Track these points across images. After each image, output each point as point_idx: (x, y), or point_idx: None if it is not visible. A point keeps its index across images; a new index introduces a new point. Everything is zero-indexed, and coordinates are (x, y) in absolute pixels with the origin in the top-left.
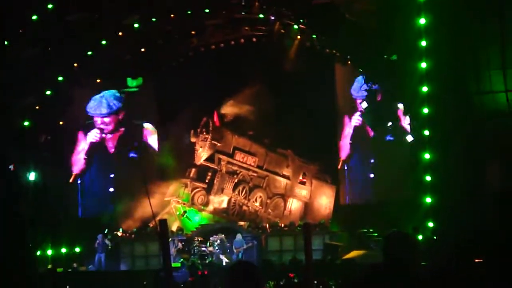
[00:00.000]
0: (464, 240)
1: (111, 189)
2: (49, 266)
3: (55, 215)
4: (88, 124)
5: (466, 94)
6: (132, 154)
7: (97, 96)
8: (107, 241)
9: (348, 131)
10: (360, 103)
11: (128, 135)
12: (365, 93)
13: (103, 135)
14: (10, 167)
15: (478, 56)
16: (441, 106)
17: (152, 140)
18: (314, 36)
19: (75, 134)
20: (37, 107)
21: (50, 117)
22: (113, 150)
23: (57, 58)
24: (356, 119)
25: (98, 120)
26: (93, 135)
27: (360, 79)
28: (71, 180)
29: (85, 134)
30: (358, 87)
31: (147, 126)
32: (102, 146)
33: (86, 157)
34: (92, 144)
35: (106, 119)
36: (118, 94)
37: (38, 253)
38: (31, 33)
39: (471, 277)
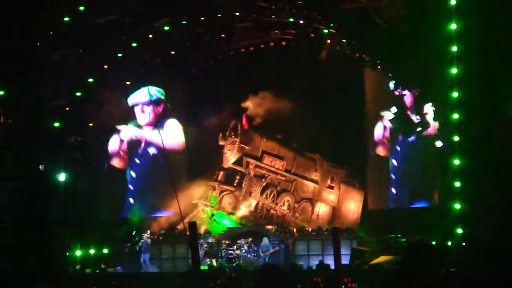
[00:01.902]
0: (493, 247)
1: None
2: (78, 267)
3: (84, 216)
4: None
5: (496, 100)
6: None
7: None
8: (149, 241)
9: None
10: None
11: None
12: None
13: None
14: (40, 167)
15: (509, 62)
16: (471, 111)
17: (177, 139)
18: (344, 40)
19: (109, 133)
20: (67, 109)
21: (80, 119)
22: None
23: (88, 60)
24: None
25: (137, 110)
26: (129, 133)
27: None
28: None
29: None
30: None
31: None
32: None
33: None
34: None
35: (146, 108)
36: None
37: (67, 254)
38: (62, 35)
39: (502, 284)
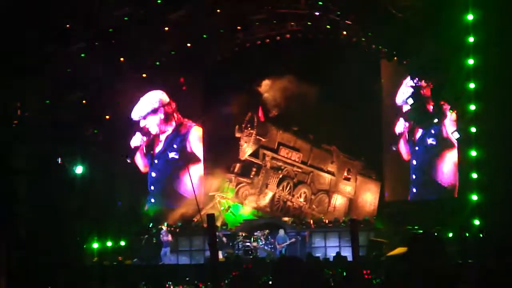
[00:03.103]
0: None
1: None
2: (95, 259)
3: (102, 209)
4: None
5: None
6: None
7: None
8: (169, 236)
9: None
10: (406, 99)
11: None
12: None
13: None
14: (58, 160)
15: None
16: (488, 102)
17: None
18: (360, 31)
19: (127, 127)
20: (83, 102)
21: (96, 111)
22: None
23: (104, 53)
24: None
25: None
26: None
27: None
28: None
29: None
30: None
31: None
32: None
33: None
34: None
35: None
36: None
37: (85, 246)
38: (78, 27)
39: None
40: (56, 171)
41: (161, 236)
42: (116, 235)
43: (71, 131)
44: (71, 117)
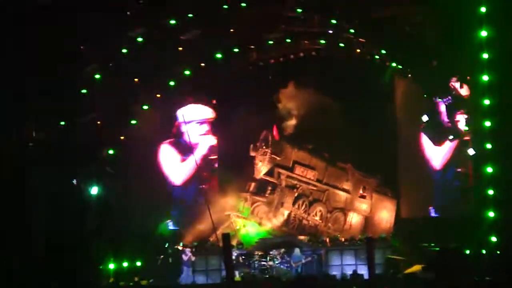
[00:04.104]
0: None
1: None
2: (111, 280)
3: (118, 229)
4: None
5: None
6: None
7: None
8: (190, 256)
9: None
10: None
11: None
12: None
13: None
14: (73, 181)
15: None
16: (503, 119)
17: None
18: (374, 49)
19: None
20: (98, 122)
21: (112, 132)
22: None
23: (119, 74)
24: None
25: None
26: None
27: None
28: None
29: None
30: None
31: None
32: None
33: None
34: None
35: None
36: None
37: (101, 267)
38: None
39: None
40: (72, 192)
41: (184, 255)
42: (132, 256)
43: (87, 152)
44: (86, 138)
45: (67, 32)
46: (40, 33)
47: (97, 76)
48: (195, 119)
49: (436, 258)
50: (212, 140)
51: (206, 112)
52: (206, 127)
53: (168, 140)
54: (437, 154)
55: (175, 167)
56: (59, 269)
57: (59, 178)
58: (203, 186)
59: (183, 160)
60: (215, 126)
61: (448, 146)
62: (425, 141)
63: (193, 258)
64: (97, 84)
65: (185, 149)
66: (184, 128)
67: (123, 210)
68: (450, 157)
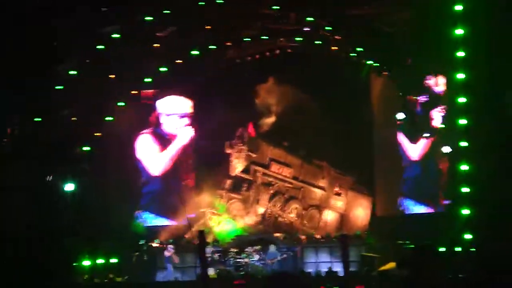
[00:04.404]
0: (502, 253)
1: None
2: (86, 277)
3: (93, 226)
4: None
5: (503, 105)
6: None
7: None
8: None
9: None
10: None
11: None
12: None
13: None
14: (48, 178)
15: None
16: (479, 117)
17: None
18: (350, 46)
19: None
20: (74, 119)
21: (87, 129)
22: None
23: (93, 71)
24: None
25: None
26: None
27: None
28: None
29: None
30: None
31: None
32: None
33: None
34: None
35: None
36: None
37: (75, 264)
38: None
39: None
40: (47, 188)
41: (167, 252)
42: (107, 252)
43: (62, 149)
44: (61, 135)
45: (42, 29)
46: (15, 31)
47: (73, 73)
48: (176, 112)
49: (409, 255)
50: (191, 132)
51: (187, 105)
52: (186, 121)
53: (147, 130)
54: (412, 151)
55: (153, 157)
56: (33, 266)
57: (34, 175)
58: (183, 181)
59: (163, 149)
60: (192, 123)
61: (422, 144)
62: (401, 139)
63: (174, 257)
64: (74, 81)
65: (164, 139)
66: (163, 119)
67: (98, 207)
68: (424, 154)
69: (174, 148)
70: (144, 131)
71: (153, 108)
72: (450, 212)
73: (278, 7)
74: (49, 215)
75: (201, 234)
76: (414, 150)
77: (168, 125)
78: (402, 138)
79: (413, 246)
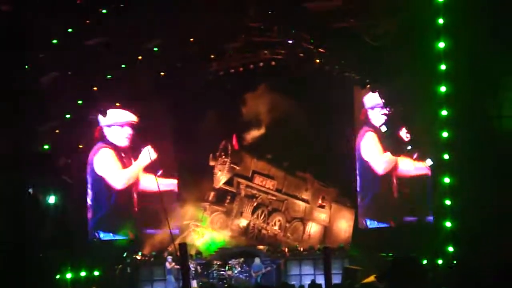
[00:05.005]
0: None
1: None
2: None
3: (75, 238)
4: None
5: (485, 118)
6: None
7: None
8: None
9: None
10: (380, 126)
11: None
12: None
13: None
14: (29, 190)
15: (498, 80)
16: (461, 129)
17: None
18: (333, 59)
19: None
20: (57, 131)
21: (69, 141)
22: None
23: (77, 82)
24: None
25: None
26: None
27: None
28: None
29: None
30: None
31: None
32: None
33: None
34: None
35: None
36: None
37: (58, 276)
38: (51, 57)
39: None
40: (28, 201)
41: (168, 264)
42: (90, 265)
43: (43, 161)
44: (43, 147)
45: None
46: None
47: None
48: (116, 122)
49: (390, 267)
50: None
51: (127, 115)
52: (129, 130)
53: (101, 144)
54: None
55: (115, 172)
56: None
57: (15, 187)
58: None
59: (122, 163)
60: (175, 136)
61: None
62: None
63: (174, 266)
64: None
65: (120, 151)
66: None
67: (80, 219)
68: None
69: (137, 166)
70: (99, 145)
71: (97, 123)
72: (434, 224)
73: (262, 20)
74: (30, 227)
75: (183, 246)
76: (381, 164)
77: (112, 136)
78: (370, 153)
79: (392, 258)
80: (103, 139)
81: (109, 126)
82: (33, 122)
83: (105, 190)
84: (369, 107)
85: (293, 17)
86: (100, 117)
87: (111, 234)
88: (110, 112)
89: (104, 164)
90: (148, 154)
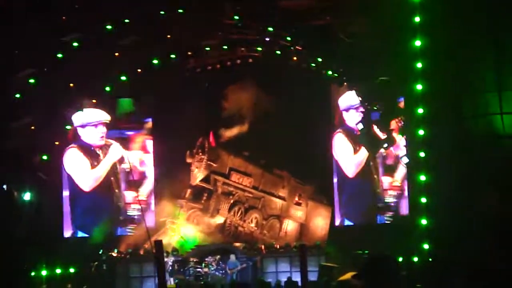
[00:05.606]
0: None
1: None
2: (43, 287)
3: (50, 235)
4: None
5: (461, 117)
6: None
7: None
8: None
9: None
10: (356, 124)
11: None
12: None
13: None
14: (3, 187)
15: (473, 80)
16: (437, 128)
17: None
18: (310, 57)
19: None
20: (32, 128)
21: (45, 138)
22: None
23: (53, 80)
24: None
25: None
26: None
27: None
28: None
29: None
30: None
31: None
32: None
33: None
34: None
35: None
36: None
37: (33, 273)
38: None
39: None
40: (2, 197)
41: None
42: (65, 262)
43: (19, 158)
44: (19, 143)
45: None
46: None
47: (32, 81)
48: (89, 122)
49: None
50: (120, 148)
51: (101, 114)
52: (103, 129)
53: (72, 145)
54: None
55: (83, 173)
56: None
57: None
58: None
59: (92, 163)
60: (153, 133)
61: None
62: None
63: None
64: (32, 89)
65: (91, 152)
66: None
67: (56, 216)
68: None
69: (105, 165)
70: (70, 145)
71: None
72: (409, 222)
73: (239, 17)
74: (5, 224)
75: (159, 243)
76: (351, 164)
77: (86, 136)
78: (341, 151)
79: (367, 256)
80: (77, 140)
81: (83, 126)
82: (6, 118)
83: (80, 188)
84: (343, 108)
85: (269, 15)
86: (73, 117)
87: (87, 232)
88: (85, 111)
89: (72, 165)
90: (116, 151)
